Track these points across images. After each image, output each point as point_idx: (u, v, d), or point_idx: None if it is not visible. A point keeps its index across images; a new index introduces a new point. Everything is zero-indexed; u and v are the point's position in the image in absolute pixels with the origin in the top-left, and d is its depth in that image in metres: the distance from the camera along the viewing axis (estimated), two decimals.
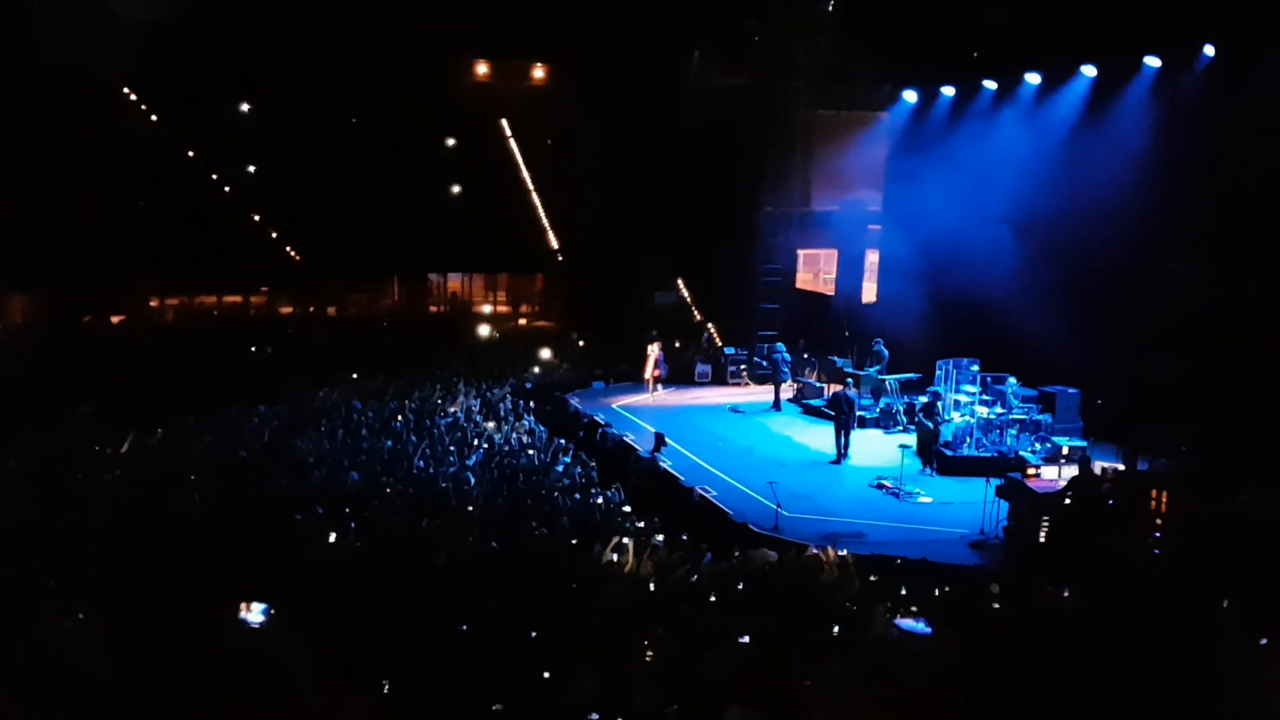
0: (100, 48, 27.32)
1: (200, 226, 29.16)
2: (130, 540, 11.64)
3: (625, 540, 12.10)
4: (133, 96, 30.58)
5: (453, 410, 20.79)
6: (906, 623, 9.87)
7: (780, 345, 23.99)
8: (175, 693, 7.45)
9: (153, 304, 31.67)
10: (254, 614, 8.95)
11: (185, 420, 18.61)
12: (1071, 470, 15.05)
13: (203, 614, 8.92)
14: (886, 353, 21.79)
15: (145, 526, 12.43)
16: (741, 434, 21.07)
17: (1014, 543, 14.44)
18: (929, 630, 9.70)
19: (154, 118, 30.61)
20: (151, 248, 28.10)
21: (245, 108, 31.54)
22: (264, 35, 28.26)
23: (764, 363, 24.69)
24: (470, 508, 14.57)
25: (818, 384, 23.04)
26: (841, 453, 18.84)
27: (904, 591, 11.29)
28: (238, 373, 23.43)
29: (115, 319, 29.89)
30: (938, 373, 19.85)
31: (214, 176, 31.63)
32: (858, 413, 19.80)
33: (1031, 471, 15.01)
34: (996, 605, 10.97)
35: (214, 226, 29.83)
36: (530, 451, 17.95)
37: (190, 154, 31.05)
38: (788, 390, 23.42)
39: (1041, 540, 14.02)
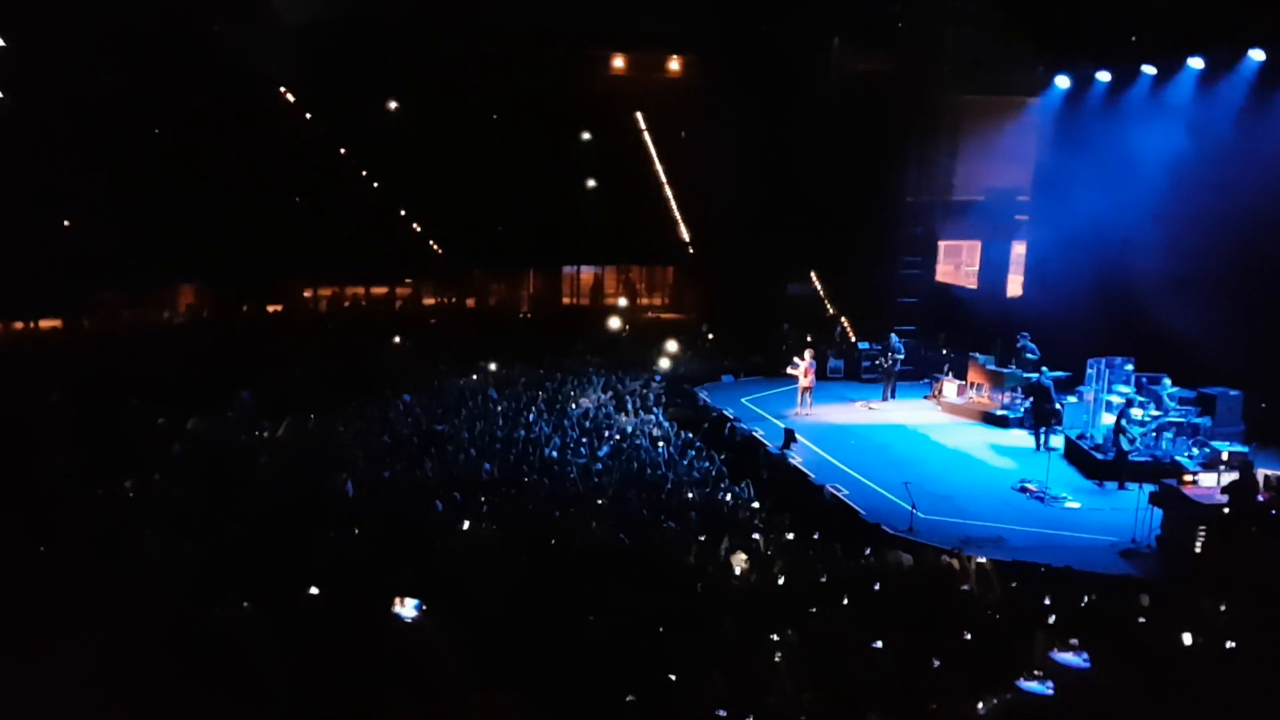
0: (261, 49, 28.81)
1: (350, 221, 30.41)
2: (285, 524, 12.16)
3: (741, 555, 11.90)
4: (289, 96, 32.05)
5: (585, 402, 21.08)
6: (1064, 656, 8.98)
7: (893, 336, 23.38)
8: (337, 679, 7.66)
9: (306, 294, 33.17)
10: (408, 609, 9.05)
11: (337, 405, 19.39)
12: (1231, 477, 14.18)
13: (359, 605, 9.13)
14: (1036, 349, 20.96)
15: (299, 510, 12.99)
16: (875, 431, 20.67)
17: (1168, 552, 13.75)
18: (1088, 665, 8.87)
19: (308, 116, 32.01)
20: (306, 240, 29.49)
21: (393, 105, 32.68)
22: (409, 35, 29.21)
23: (878, 348, 24.12)
24: (600, 500, 14.76)
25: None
26: (1041, 444, 18.47)
27: (1047, 601, 10.86)
28: (384, 361, 24.33)
29: (271, 308, 31.45)
30: (1088, 372, 19.03)
31: (363, 173, 32.90)
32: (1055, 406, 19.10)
33: (1189, 478, 14.22)
34: (1144, 620, 10.45)
35: (363, 220, 31.06)
36: (660, 445, 18.05)
37: (342, 151, 32.36)
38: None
39: (1198, 550, 13.31)
